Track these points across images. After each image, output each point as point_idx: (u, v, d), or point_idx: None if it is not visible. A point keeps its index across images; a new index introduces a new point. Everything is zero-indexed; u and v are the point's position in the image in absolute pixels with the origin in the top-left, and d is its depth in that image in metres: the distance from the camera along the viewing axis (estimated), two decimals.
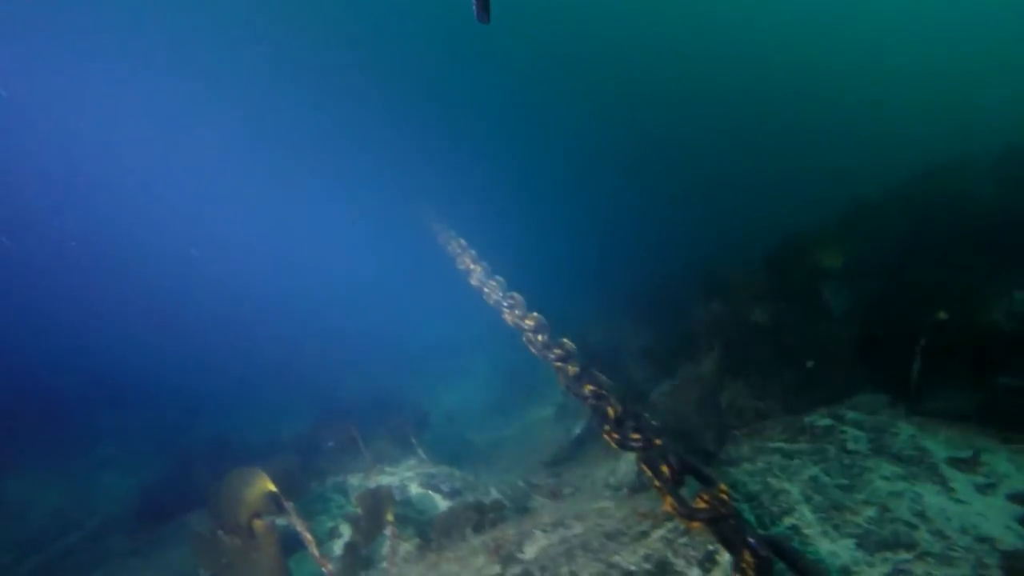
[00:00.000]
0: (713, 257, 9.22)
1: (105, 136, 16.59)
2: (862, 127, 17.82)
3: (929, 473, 3.64)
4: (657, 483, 3.43)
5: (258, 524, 3.97)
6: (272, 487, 4.19)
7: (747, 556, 2.77)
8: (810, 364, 5.48)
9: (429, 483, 6.06)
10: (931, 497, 3.39)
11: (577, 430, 6.78)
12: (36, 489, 7.67)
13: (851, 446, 4.39)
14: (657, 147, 18.61)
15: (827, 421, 4.91)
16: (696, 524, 3.21)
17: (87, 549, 6.17)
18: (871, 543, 3.14)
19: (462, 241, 6.91)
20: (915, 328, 4.85)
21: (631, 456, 5.74)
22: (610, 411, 3.95)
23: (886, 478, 3.73)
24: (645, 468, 3.55)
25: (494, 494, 5.91)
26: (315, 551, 4.15)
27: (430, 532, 5.13)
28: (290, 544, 4.71)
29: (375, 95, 18.25)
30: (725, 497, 3.11)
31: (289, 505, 4.20)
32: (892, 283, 6.12)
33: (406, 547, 4.92)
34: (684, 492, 3.42)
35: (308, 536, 4.14)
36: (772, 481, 4.28)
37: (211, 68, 16.92)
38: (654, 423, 3.82)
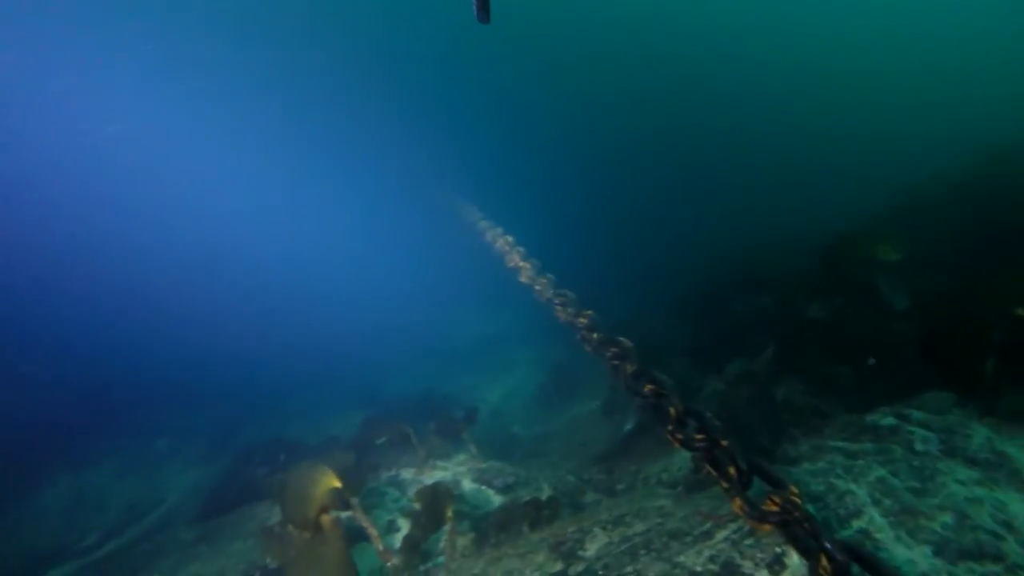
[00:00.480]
0: (757, 251, 9.04)
1: (148, 136, 17.24)
2: (906, 121, 17.24)
3: (1011, 479, 3.51)
4: (724, 484, 3.40)
5: (325, 519, 4.12)
6: (337, 483, 4.33)
7: (824, 561, 2.73)
8: (871, 361, 5.34)
9: (481, 478, 6.14)
10: (1016, 506, 3.26)
11: (628, 426, 6.77)
12: (108, 480, 8.11)
13: (919, 447, 4.26)
14: (699, 138, 18.33)
15: (891, 420, 4.77)
16: (766, 527, 3.17)
17: (158, 536, 6.49)
18: (951, 551, 3.06)
19: (509, 238, 6.94)
20: (986, 323, 4.67)
21: (684, 453, 5.71)
22: (672, 411, 3.91)
23: (961, 482, 3.61)
24: (711, 469, 3.53)
25: (547, 489, 5.96)
26: (379, 545, 4.27)
27: (485, 527, 5.22)
28: (350, 536, 4.85)
29: (418, 86, 18.48)
30: (797, 500, 3.07)
31: (353, 501, 4.34)
32: (957, 276, 5.90)
33: (463, 542, 5.01)
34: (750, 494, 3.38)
35: (373, 531, 4.27)
36: (836, 482, 4.20)
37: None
38: (717, 423, 3.78)
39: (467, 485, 6.03)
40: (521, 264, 6.37)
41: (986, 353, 4.46)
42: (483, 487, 6.01)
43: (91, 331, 15.01)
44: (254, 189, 19.41)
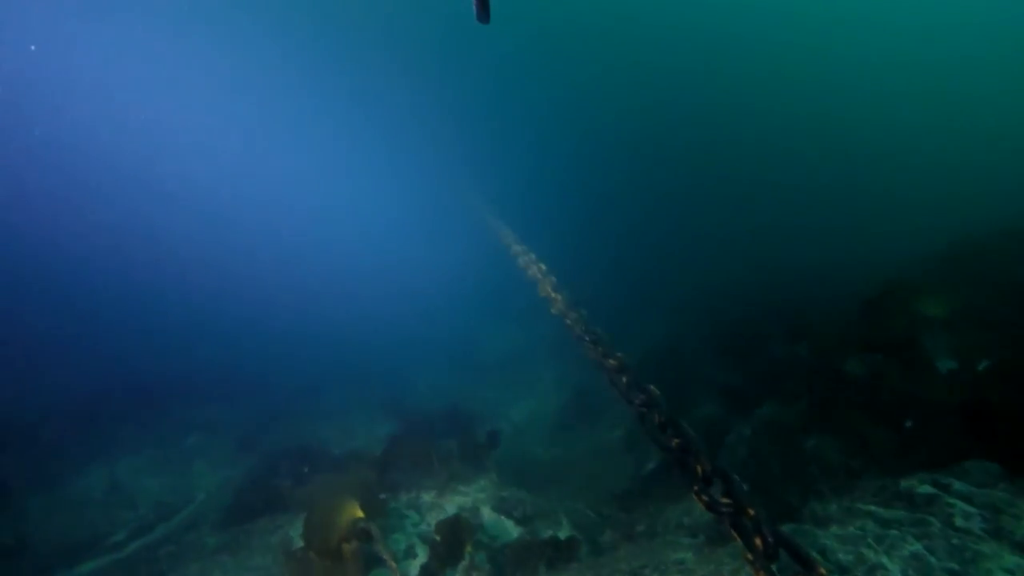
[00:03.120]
0: (800, 291, 8.80)
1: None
2: (969, 159, 16.59)
3: None
4: (749, 556, 3.32)
5: (346, 548, 4.17)
6: (360, 513, 4.39)
7: None
8: (908, 424, 5.14)
9: (501, 507, 6.13)
10: None
11: (651, 465, 6.67)
12: (140, 475, 8.38)
13: (960, 523, 4.07)
14: (750, 169, 18.00)
15: (929, 489, 4.56)
16: None
17: (184, 537, 6.67)
18: None
19: (542, 266, 6.90)
20: None
21: None
22: (698, 469, 3.83)
23: (1009, 572, 3.43)
24: (735, 535, 3.45)
25: (566, 524, 5.92)
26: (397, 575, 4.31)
27: (503, 561, 5.21)
28: (368, 562, 4.90)
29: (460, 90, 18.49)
30: None
31: (375, 531, 4.38)
32: (1009, 335, 5.63)
33: None
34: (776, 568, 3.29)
35: (393, 564, 4.30)
36: (867, 553, 4.05)
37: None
38: (744, 487, 3.69)
39: (487, 514, 6.02)
40: (552, 295, 6.35)
41: None
42: (502, 516, 6.00)
43: (131, 321, 15.56)
44: (295, 183, 19.77)
